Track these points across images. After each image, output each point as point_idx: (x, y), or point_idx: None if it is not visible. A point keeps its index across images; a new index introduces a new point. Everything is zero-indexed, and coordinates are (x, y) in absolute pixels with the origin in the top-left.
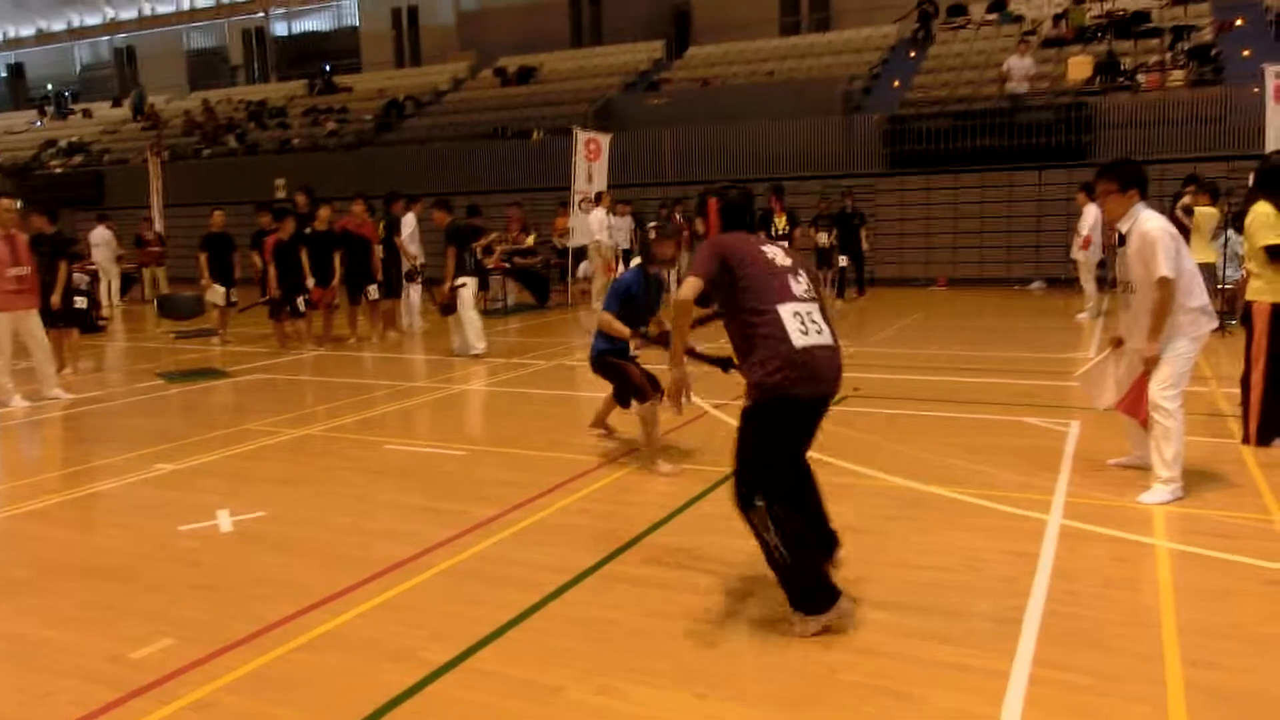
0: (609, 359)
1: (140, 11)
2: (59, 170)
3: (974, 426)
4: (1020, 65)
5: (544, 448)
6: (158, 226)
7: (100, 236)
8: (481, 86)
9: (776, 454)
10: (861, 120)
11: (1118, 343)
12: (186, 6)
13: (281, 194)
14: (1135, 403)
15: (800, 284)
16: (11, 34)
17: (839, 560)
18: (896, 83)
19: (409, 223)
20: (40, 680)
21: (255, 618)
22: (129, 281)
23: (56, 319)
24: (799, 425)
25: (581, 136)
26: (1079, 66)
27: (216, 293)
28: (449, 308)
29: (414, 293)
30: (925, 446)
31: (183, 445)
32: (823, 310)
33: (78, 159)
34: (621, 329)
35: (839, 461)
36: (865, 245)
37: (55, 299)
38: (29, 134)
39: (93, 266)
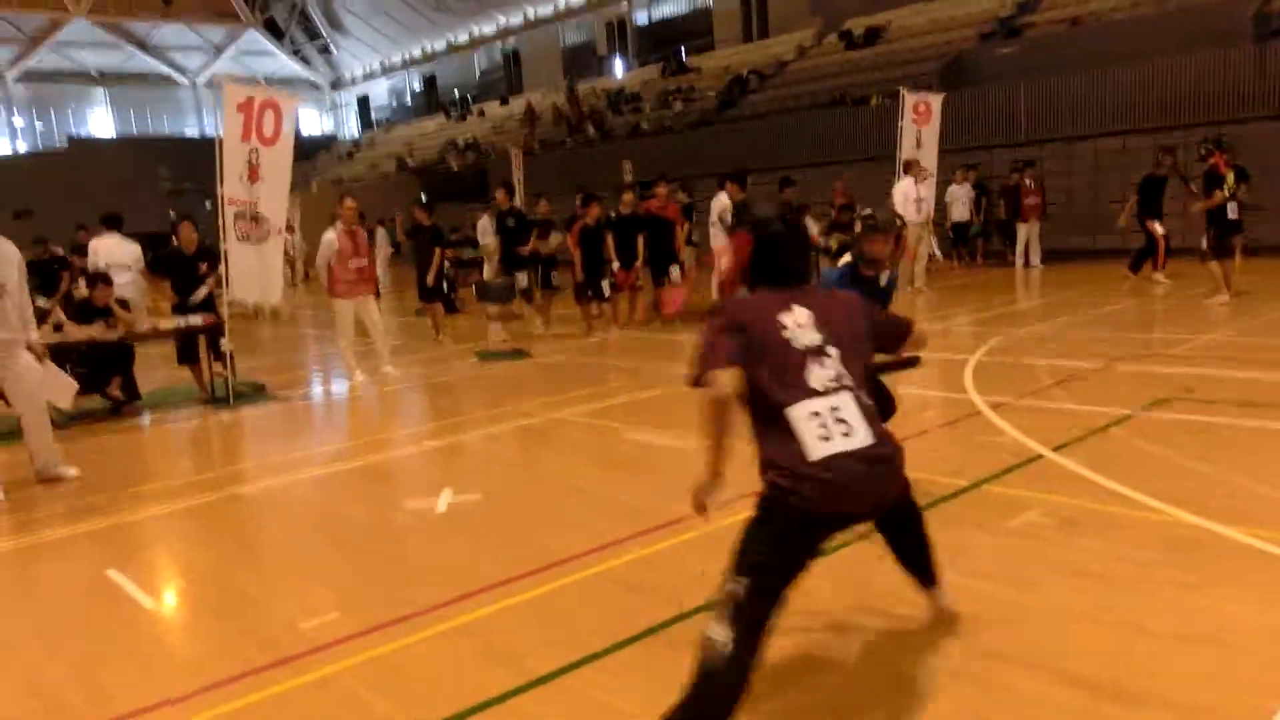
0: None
1: (525, 16)
2: (455, 167)
3: None
4: None
5: None
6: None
7: (484, 225)
8: (826, 52)
9: (767, 576)
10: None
11: None
12: (562, 6)
13: (629, 177)
14: None
15: (826, 369)
16: (428, 49)
17: (941, 604)
18: None
19: (720, 203)
20: (228, 636)
21: (412, 601)
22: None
23: (430, 295)
24: (807, 540)
25: (909, 99)
26: None
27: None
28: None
29: None
30: (1241, 469)
31: (456, 422)
32: (859, 399)
33: (470, 155)
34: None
35: (1108, 481)
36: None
37: (430, 278)
38: (437, 135)
39: (472, 254)
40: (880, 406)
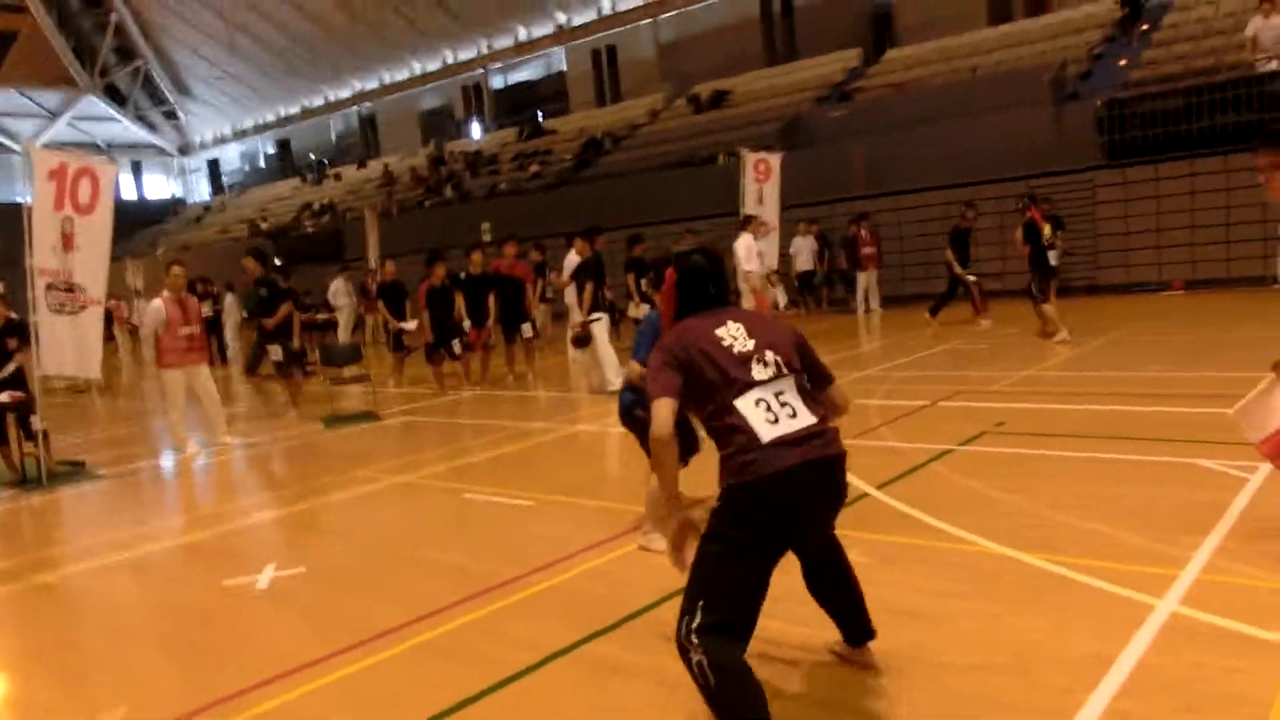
0: (638, 413)
1: (380, 80)
2: (310, 229)
3: (1125, 471)
4: (1268, 28)
5: (615, 498)
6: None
7: (337, 288)
8: (675, 115)
9: (738, 568)
10: (1075, 109)
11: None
12: (419, 71)
13: (487, 237)
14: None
15: (767, 366)
16: (281, 113)
17: (869, 661)
18: (1123, 60)
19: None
20: None
21: (213, 688)
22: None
23: (290, 362)
24: (767, 529)
25: (749, 159)
26: None
27: (410, 323)
28: (583, 340)
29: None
30: (1048, 499)
31: (293, 492)
32: (799, 384)
33: (326, 218)
34: None
35: (925, 517)
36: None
37: (269, 323)
38: (292, 199)
39: (325, 316)
40: (684, 444)
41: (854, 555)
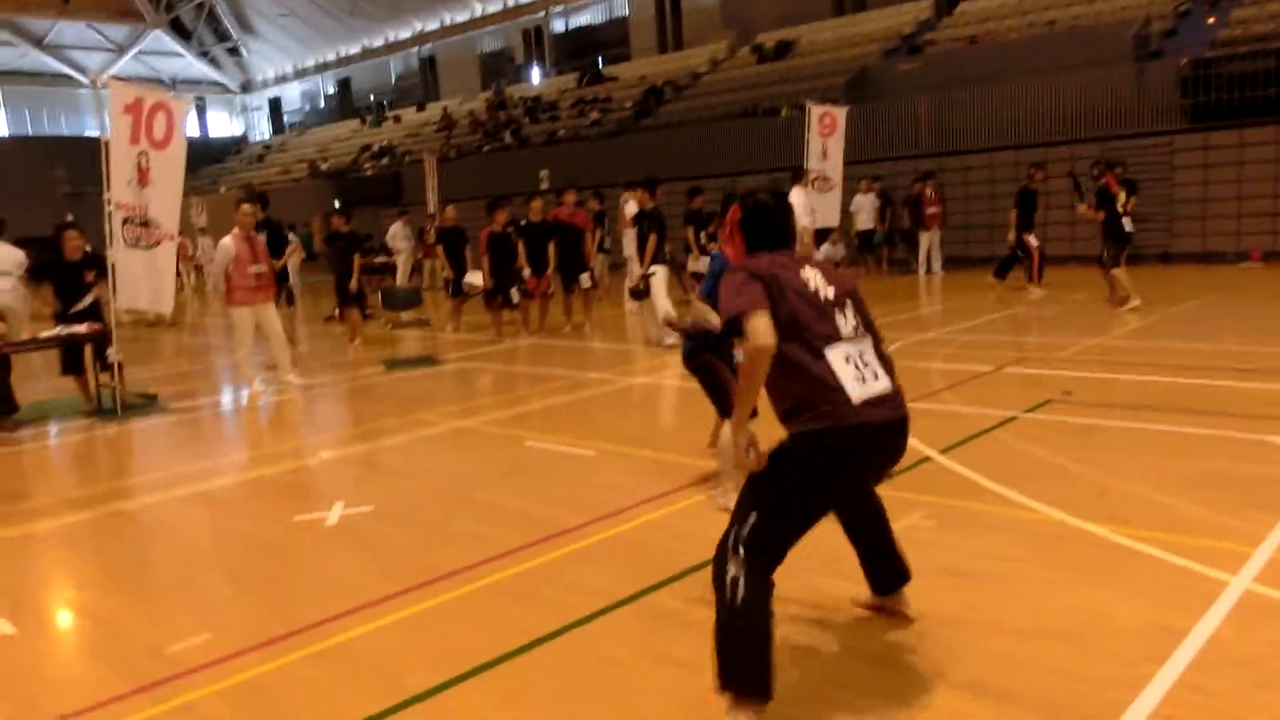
0: (704, 356)
1: (441, 21)
2: (369, 172)
3: (1194, 444)
4: None
5: (675, 451)
6: (436, 221)
7: (396, 231)
8: (738, 65)
9: (796, 507)
10: (1158, 68)
11: None
12: (479, 13)
13: (545, 185)
14: None
15: (848, 319)
16: (342, 53)
17: (904, 607)
18: (1212, 18)
19: (629, 210)
20: (85, 664)
21: (289, 620)
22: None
23: (349, 301)
24: (838, 476)
25: (815, 111)
26: None
27: (476, 275)
28: (640, 293)
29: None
30: (1112, 469)
31: (356, 432)
32: (876, 347)
33: (385, 161)
34: (716, 320)
35: (989, 483)
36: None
37: (353, 284)
38: (352, 140)
39: (384, 259)
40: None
41: (916, 518)
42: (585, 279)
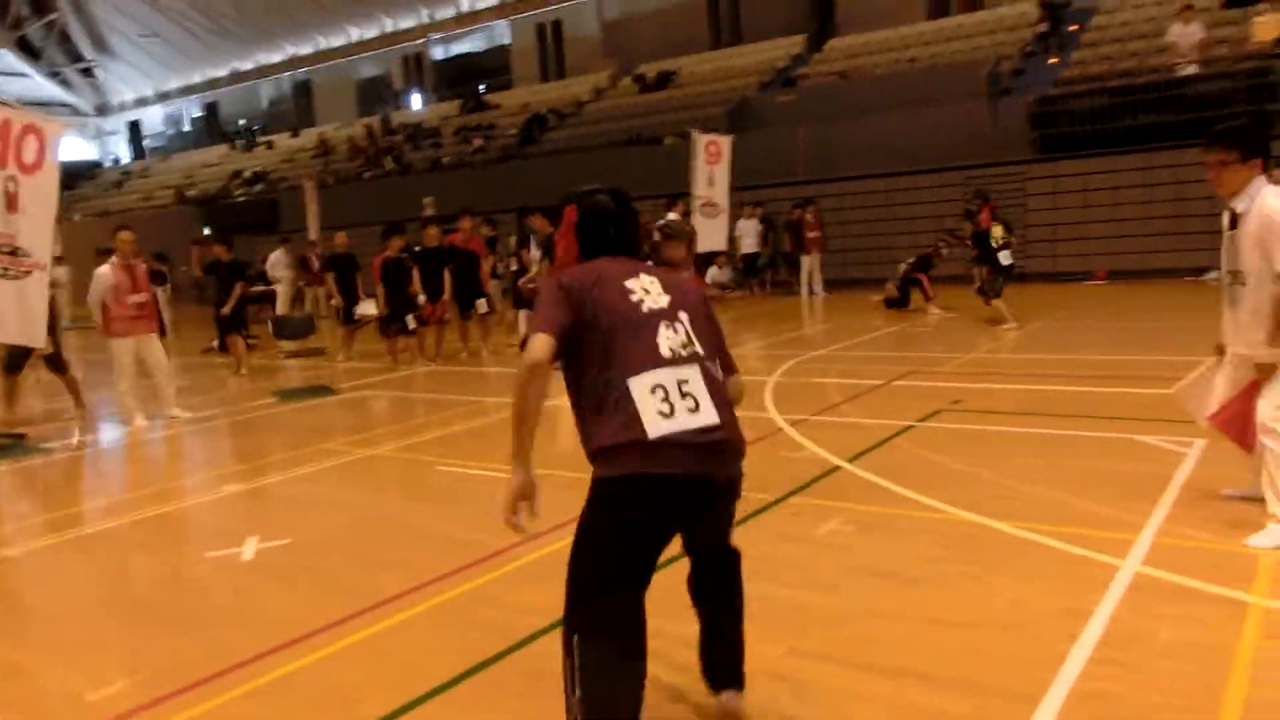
0: None
1: (316, 46)
2: (241, 198)
3: (1076, 446)
4: (1186, 34)
5: (586, 469)
6: (320, 248)
7: (276, 259)
8: (621, 94)
9: (611, 563)
10: (1009, 103)
11: (1222, 351)
12: (356, 38)
13: (430, 211)
14: (1235, 421)
15: (676, 334)
16: (209, 76)
17: (734, 711)
18: (1054, 59)
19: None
20: None
21: (221, 657)
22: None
23: (227, 326)
24: (651, 520)
25: (701, 140)
26: (1267, 27)
27: (369, 305)
28: (524, 302)
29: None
30: (1008, 471)
31: (257, 466)
32: (707, 372)
33: (259, 187)
34: None
35: (898, 488)
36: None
37: (226, 310)
38: (220, 167)
39: (264, 288)
40: None
41: (835, 524)
42: (482, 304)
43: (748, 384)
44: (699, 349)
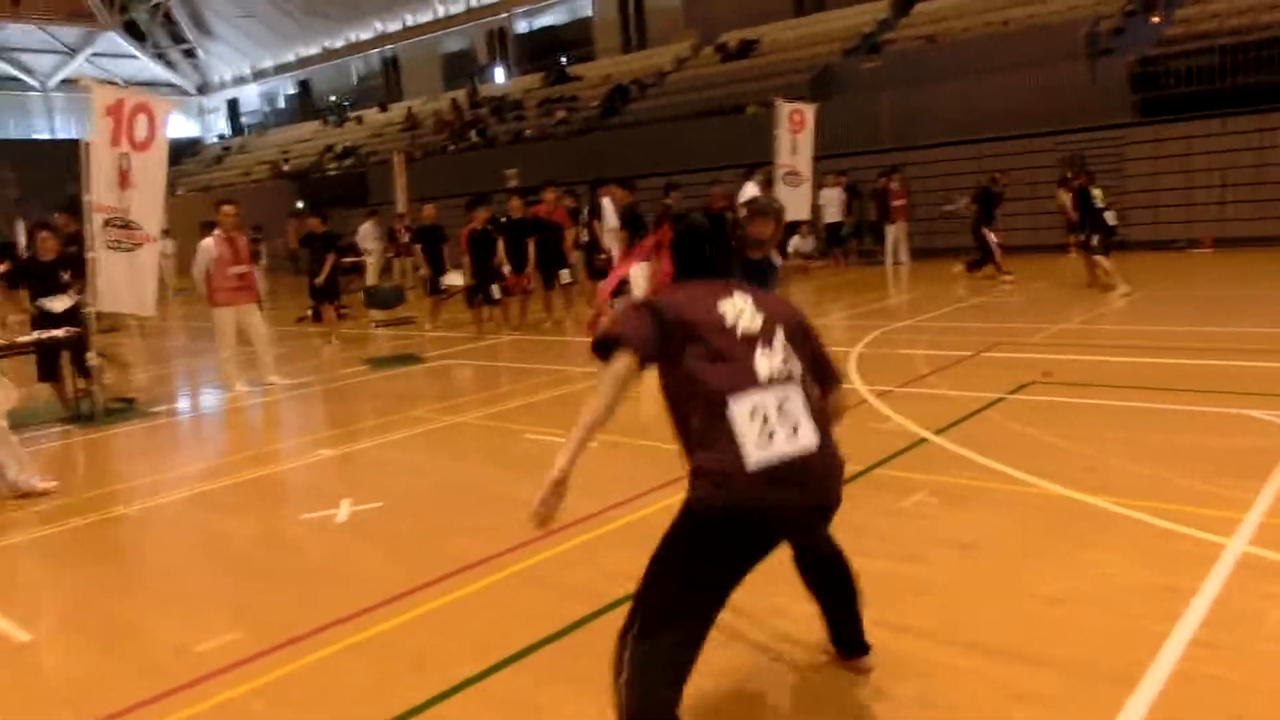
0: None
1: (403, 23)
2: (333, 172)
3: (1175, 420)
4: None
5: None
6: (408, 220)
7: (365, 231)
8: (703, 64)
9: (692, 592)
10: (1108, 65)
11: None
12: (442, 14)
13: (513, 183)
14: None
15: (773, 356)
16: (301, 54)
17: (866, 666)
18: (1157, 17)
19: (608, 208)
20: (109, 666)
21: (320, 616)
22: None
23: (320, 296)
24: (740, 553)
25: (784, 108)
26: None
27: (455, 275)
28: (599, 273)
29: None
30: (1104, 445)
31: (350, 431)
32: (806, 392)
33: (349, 161)
34: None
35: (986, 460)
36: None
37: (320, 280)
38: (313, 141)
39: (354, 259)
40: None
41: (921, 496)
42: (565, 275)
43: (834, 355)
44: (796, 368)
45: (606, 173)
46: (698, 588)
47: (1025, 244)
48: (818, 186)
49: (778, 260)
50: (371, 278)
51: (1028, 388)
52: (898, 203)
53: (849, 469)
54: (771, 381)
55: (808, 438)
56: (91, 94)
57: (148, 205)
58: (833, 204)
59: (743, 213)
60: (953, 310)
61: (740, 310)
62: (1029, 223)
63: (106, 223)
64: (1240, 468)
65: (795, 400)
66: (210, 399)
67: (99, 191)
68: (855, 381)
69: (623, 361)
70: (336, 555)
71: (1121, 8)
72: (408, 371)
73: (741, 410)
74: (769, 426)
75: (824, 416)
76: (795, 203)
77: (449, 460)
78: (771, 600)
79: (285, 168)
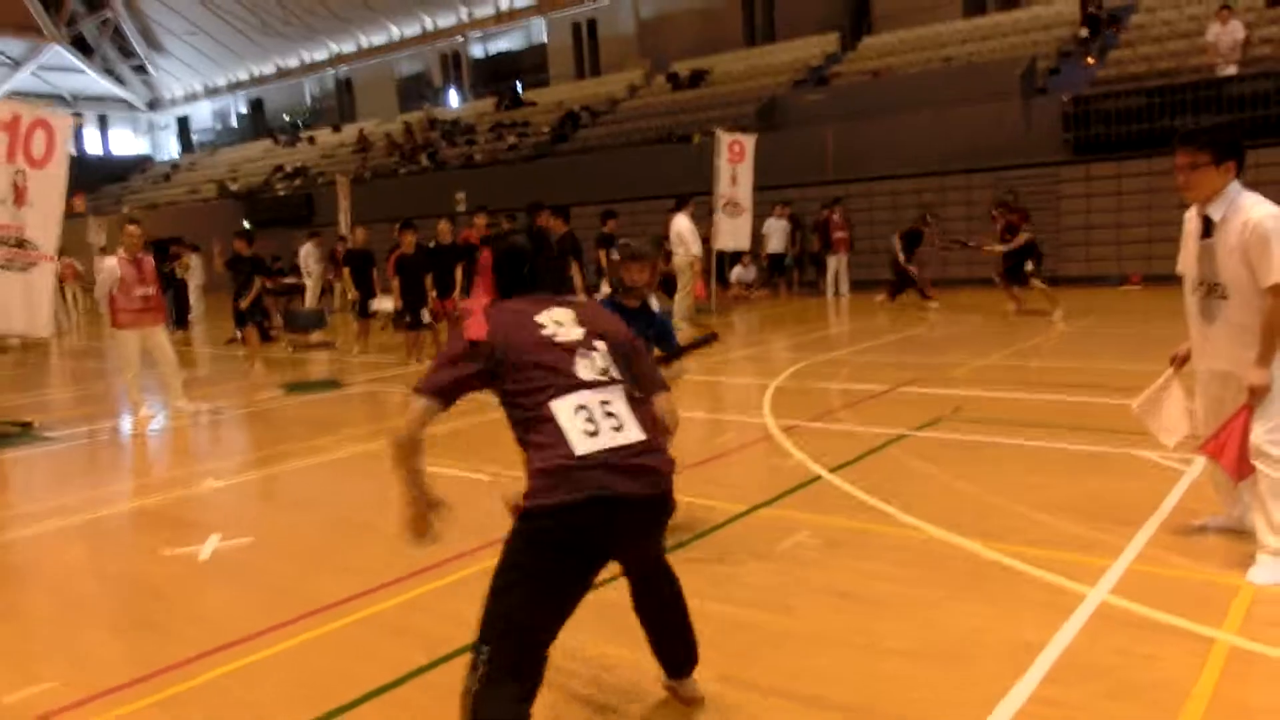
0: None
1: (357, 44)
2: (281, 192)
3: (1070, 460)
4: (1224, 33)
5: None
6: (349, 243)
7: (307, 252)
8: (654, 92)
9: (532, 602)
10: (1043, 103)
11: (1180, 361)
12: (397, 37)
13: (461, 207)
14: (1227, 446)
15: (595, 363)
16: (255, 72)
17: (694, 694)
18: (1091, 60)
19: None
20: None
21: (147, 662)
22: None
23: (244, 319)
24: (579, 555)
25: (724, 139)
26: None
27: (386, 300)
28: None
29: None
30: (994, 485)
31: (248, 460)
32: (630, 395)
33: (298, 182)
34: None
35: (875, 501)
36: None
37: (244, 303)
38: (264, 160)
39: (295, 280)
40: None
41: (801, 537)
42: None
43: (751, 387)
44: (619, 375)
45: (556, 198)
46: (540, 596)
47: (964, 277)
48: (763, 217)
49: (655, 305)
50: (311, 300)
51: (936, 424)
52: (839, 234)
53: (733, 508)
54: (594, 384)
55: (633, 434)
56: None
57: (45, 223)
58: (776, 234)
59: (614, 256)
60: (885, 342)
61: (560, 322)
62: (966, 256)
63: None
64: (1121, 511)
65: (619, 402)
66: (111, 424)
67: None
68: (766, 415)
69: (416, 413)
70: (188, 596)
71: (1057, 49)
72: (325, 398)
73: (565, 408)
74: (593, 423)
75: (651, 420)
76: (735, 232)
77: (341, 493)
78: (602, 650)
79: (233, 187)
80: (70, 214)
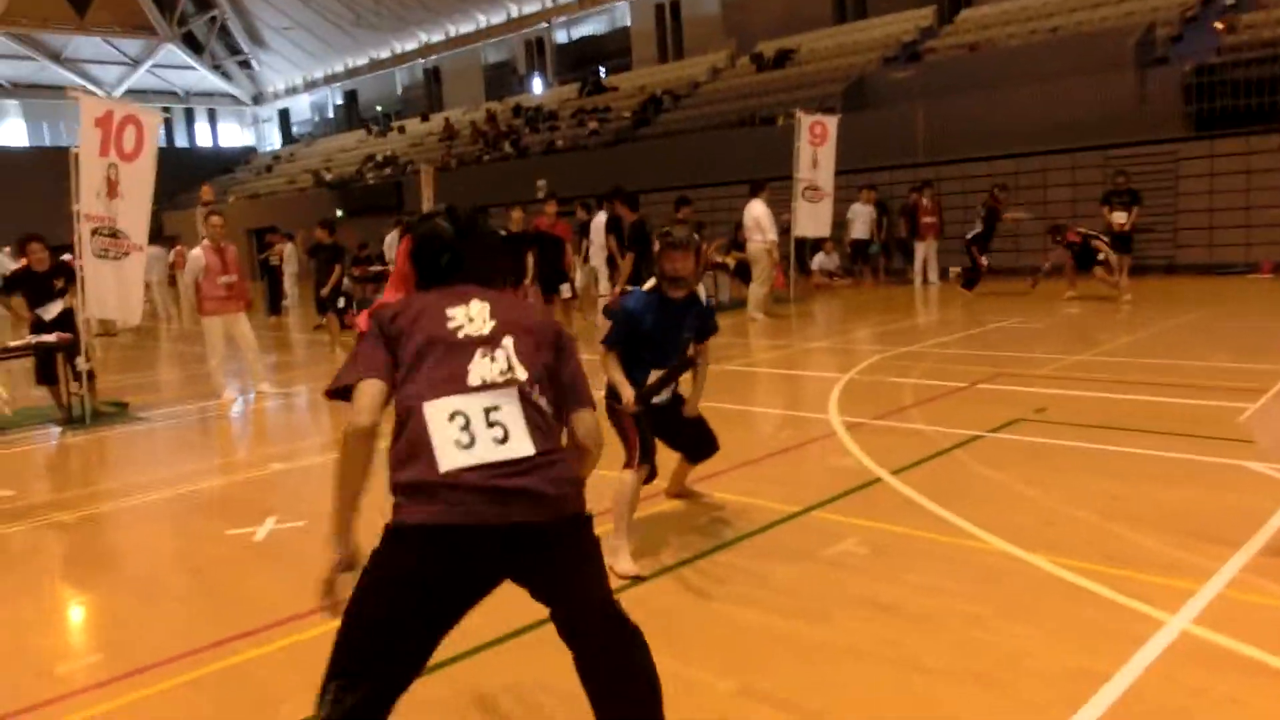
0: (612, 404)
1: (446, 33)
2: (371, 181)
3: (1163, 468)
4: None
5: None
6: None
7: (390, 241)
8: (738, 74)
9: (376, 619)
10: (1161, 74)
11: None
12: (483, 25)
13: (542, 194)
14: None
15: (494, 363)
16: (350, 65)
17: None
18: (1220, 23)
19: (595, 225)
20: None
21: (188, 640)
22: None
23: (325, 307)
24: (429, 580)
25: (805, 120)
26: None
27: None
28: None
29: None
30: (1068, 494)
31: (312, 444)
32: (527, 400)
33: (388, 170)
34: (618, 377)
35: (934, 506)
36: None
37: (324, 291)
38: (357, 150)
39: (380, 268)
40: (702, 447)
41: (848, 544)
42: (565, 289)
43: (821, 380)
44: (522, 377)
45: (636, 184)
46: (397, 626)
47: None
48: (848, 201)
49: (705, 298)
50: None
51: (1012, 425)
52: (928, 219)
53: (783, 509)
54: (484, 387)
55: (520, 448)
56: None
57: (135, 215)
58: (861, 220)
59: (656, 245)
60: (971, 334)
61: (470, 316)
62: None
63: (94, 231)
64: (1217, 530)
65: (510, 408)
66: (197, 406)
67: (88, 201)
68: (830, 412)
69: (365, 396)
70: (236, 577)
71: (1181, 14)
72: None
73: (438, 413)
74: (470, 431)
75: (551, 433)
76: (815, 218)
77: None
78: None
79: (327, 176)
80: (200, 203)
